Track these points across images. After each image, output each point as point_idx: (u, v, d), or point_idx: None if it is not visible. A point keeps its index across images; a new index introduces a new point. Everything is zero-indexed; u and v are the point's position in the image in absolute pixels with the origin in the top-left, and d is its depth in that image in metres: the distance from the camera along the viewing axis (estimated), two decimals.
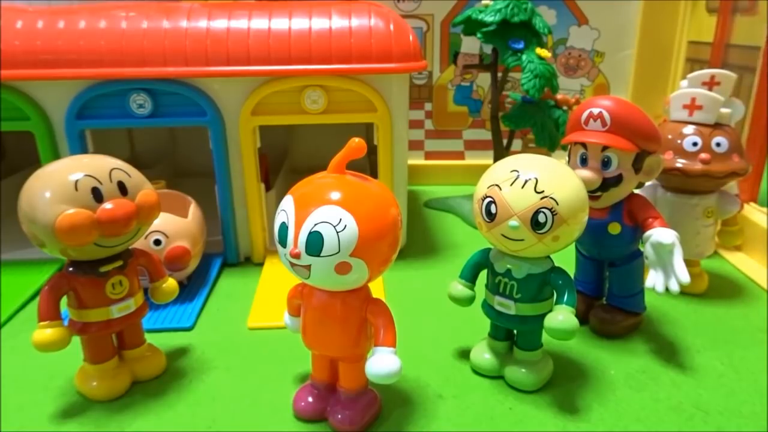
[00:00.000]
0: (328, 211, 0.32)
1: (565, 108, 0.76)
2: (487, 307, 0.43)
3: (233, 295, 0.56)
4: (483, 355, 0.44)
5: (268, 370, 0.44)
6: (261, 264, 0.63)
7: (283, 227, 0.33)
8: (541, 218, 0.36)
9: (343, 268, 0.32)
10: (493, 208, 0.38)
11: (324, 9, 0.58)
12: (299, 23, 0.56)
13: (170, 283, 0.44)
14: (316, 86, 0.56)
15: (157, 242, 0.51)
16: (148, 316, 0.51)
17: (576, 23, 0.85)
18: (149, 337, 0.46)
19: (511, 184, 0.37)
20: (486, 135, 0.91)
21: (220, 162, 0.59)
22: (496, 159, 0.79)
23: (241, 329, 0.50)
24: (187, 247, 0.53)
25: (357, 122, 0.59)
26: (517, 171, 0.38)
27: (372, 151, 0.63)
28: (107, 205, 0.36)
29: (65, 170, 0.36)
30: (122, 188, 0.38)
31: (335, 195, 0.33)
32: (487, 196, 0.38)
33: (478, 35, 0.70)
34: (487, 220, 0.38)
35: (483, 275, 0.43)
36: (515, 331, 0.43)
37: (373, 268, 0.34)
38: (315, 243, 0.32)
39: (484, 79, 0.89)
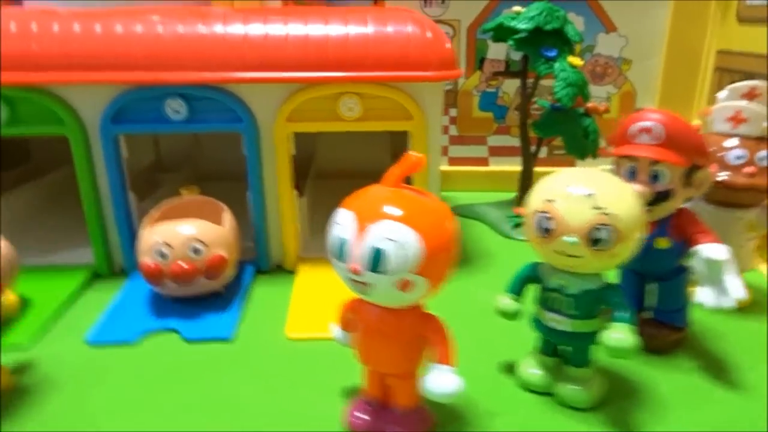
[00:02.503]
0: (391, 226, 0.31)
1: (594, 116, 0.75)
2: (538, 323, 0.42)
3: (269, 303, 0.56)
4: (532, 370, 0.43)
5: (313, 382, 0.44)
6: (293, 272, 0.62)
7: (341, 242, 0.33)
8: (600, 234, 0.36)
9: (404, 286, 0.32)
10: (548, 224, 0.37)
11: (360, 15, 0.57)
12: (336, 30, 0.55)
13: (11, 298, 0.45)
14: (352, 93, 0.56)
15: (196, 251, 0.51)
16: (186, 326, 0.51)
17: (604, 30, 0.85)
18: (189, 348, 0.46)
19: (568, 199, 0.37)
20: (511, 141, 0.90)
21: (254, 168, 0.58)
22: (525, 166, 0.79)
23: (280, 339, 0.50)
24: (224, 255, 0.52)
25: (390, 130, 0.58)
26: (574, 185, 0.37)
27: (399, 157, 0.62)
28: None
29: None
30: None
31: (397, 210, 0.32)
32: (541, 211, 0.38)
33: (510, 42, 0.70)
34: (542, 235, 0.38)
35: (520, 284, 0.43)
36: (566, 347, 0.43)
37: (434, 284, 0.33)
38: (377, 259, 0.31)
39: (509, 86, 0.88)
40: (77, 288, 0.57)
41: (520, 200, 0.78)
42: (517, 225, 0.74)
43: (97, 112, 0.56)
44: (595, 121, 0.74)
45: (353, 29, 0.55)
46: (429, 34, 0.56)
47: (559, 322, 0.40)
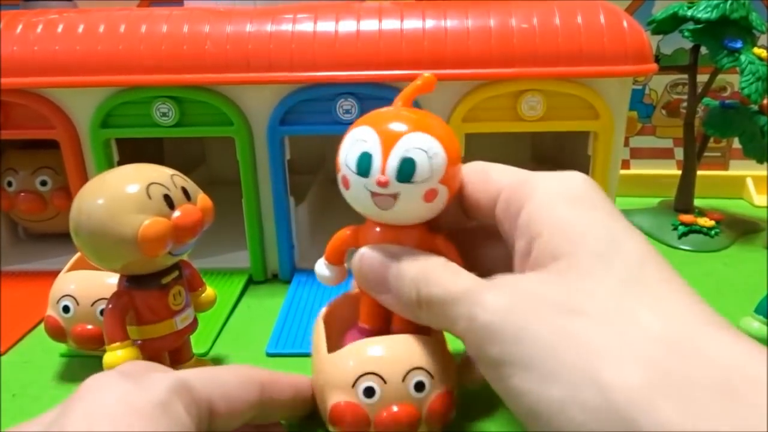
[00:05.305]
0: (418, 137, 0.31)
1: None
2: None
3: None
4: None
5: None
6: None
7: (366, 156, 0.31)
8: None
9: (430, 195, 0.32)
10: None
11: (546, 6, 0.53)
12: (521, 22, 0.51)
13: (210, 292, 0.43)
14: (536, 91, 0.51)
15: None
16: None
17: None
18: None
19: None
20: (655, 143, 0.84)
21: None
22: (687, 169, 0.72)
23: None
24: None
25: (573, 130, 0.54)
26: None
27: None
28: (179, 212, 0.35)
29: (131, 179, 0.35)
30: (186, 193, 0.37)
31: (420, 123, 0.32)
32: None
33: (686, 33, 0.64)
34: None
35: None
36: None
37: (450, 194, 0.33)
38: (407, 169, 0.31)
39: (656, 83, 0.82)
40: (238, 294, 0.56)
41: (679, 206, 0.72)
42: (684, 234, 0.67)
43: (264, 113, 0.54)
44: None
45: (539, 21, 0.51)
46: (625, 24, 0.51)
47: None
